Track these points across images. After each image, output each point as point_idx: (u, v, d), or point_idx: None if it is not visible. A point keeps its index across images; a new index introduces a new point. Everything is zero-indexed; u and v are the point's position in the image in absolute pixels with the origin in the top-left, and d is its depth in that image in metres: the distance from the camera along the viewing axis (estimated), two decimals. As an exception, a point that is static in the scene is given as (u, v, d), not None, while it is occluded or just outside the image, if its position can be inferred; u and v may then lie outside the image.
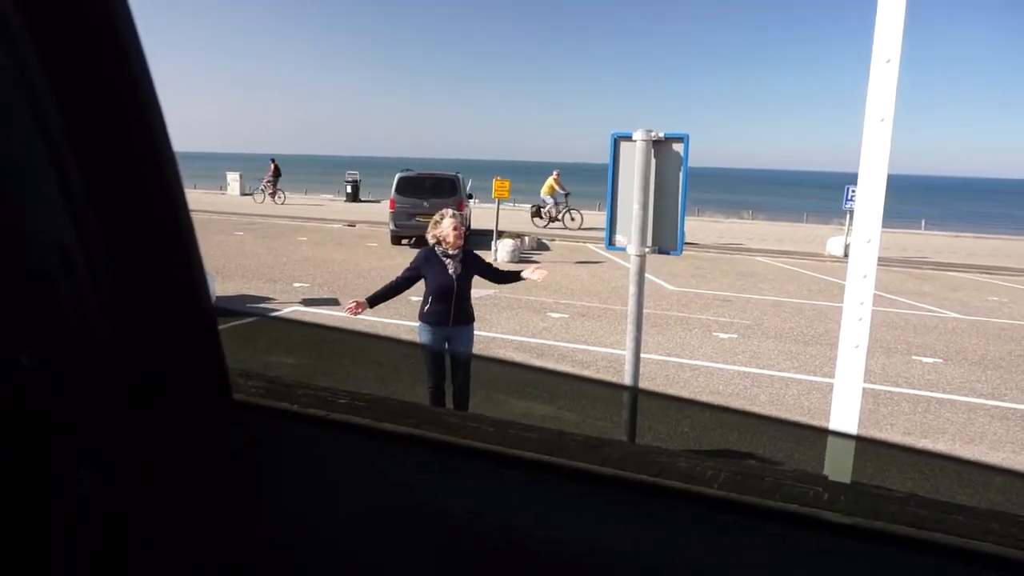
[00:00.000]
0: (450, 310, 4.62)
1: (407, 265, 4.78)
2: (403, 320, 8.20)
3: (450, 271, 4.62)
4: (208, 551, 0.76)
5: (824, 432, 4.35)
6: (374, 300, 4.63)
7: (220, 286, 10.22)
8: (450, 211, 4.75)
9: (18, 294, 0.62)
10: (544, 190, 22.06)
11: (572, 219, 21.64)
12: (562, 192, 21.76)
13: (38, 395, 0.64)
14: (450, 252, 4.63)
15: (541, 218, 21.88)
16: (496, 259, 14.33)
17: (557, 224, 21.56)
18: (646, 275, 4.85)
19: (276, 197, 27.07)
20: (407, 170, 16.71)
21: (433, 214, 4.93)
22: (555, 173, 21.84)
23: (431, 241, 4.74)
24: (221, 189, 32.53)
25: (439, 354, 4.88)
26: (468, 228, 16.95)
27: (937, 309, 11.55)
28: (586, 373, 7.27)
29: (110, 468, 0.73)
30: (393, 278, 4.75)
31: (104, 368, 0.71)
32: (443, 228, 4.65)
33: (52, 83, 0.63)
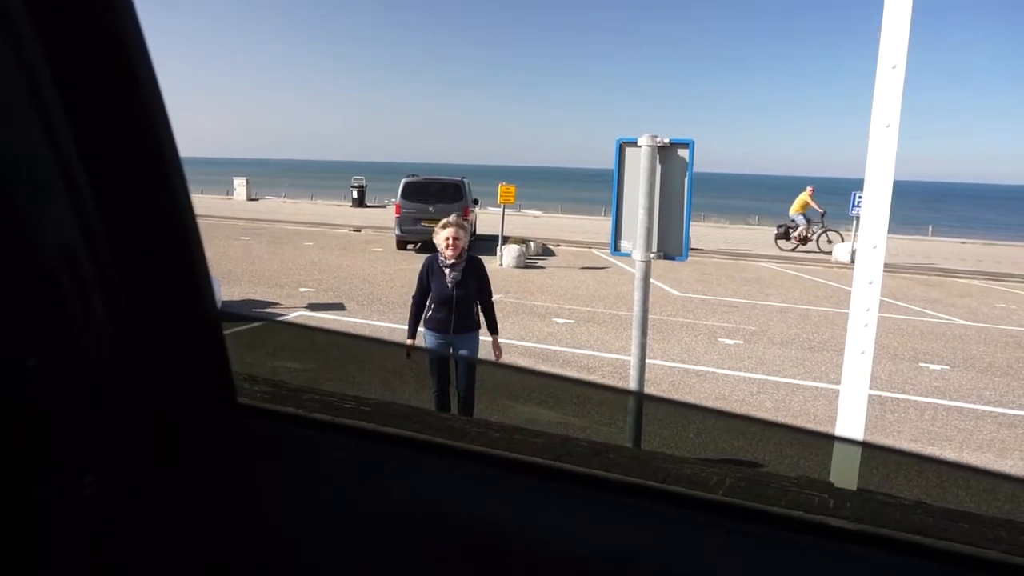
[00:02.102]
0: (450, 317, 4.62)
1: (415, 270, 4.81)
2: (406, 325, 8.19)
3: (448, 281, 4.62)
4: (211, 554, 0.76)
5: (830, 439, 4.33)
6: (411, 333, 4.72)
7: (226, 291, 10.25)
8: (453, 220, 4.73)
9: (23, 296, 0.62)
10: (794, 208, 19.03)
11: (829, 241, 18.60)
12: (817, 211, 18.77)
13: (42, 397, 0.65)
14: (448, 262, 4.63)
15: (788, 240, 18.93)
16: (501, 264, 14.35)
17: (810, 247, 18.66)
18: (652, 281, 4.84)
19: None
20: (413, 175, 16.78)
21: (439, 219, 4.94)
22: (808, 189, 18.99)
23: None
24: (227, 194, 32.66)
25: (443, 359, 4.89)
26: (474, 234, 16.97)
27: (944, 316, 11.49)
28: (591, 378, 7.26)
29: (113, 470, 0.73)
30: (405, 288, 4.78)
31: (108, 371, 0.72)
32: (438, 239, 4.66)
33: (58, 86, 0.64)
